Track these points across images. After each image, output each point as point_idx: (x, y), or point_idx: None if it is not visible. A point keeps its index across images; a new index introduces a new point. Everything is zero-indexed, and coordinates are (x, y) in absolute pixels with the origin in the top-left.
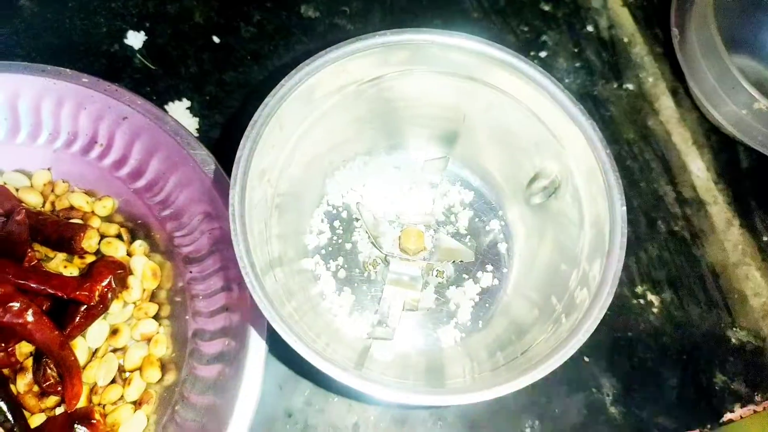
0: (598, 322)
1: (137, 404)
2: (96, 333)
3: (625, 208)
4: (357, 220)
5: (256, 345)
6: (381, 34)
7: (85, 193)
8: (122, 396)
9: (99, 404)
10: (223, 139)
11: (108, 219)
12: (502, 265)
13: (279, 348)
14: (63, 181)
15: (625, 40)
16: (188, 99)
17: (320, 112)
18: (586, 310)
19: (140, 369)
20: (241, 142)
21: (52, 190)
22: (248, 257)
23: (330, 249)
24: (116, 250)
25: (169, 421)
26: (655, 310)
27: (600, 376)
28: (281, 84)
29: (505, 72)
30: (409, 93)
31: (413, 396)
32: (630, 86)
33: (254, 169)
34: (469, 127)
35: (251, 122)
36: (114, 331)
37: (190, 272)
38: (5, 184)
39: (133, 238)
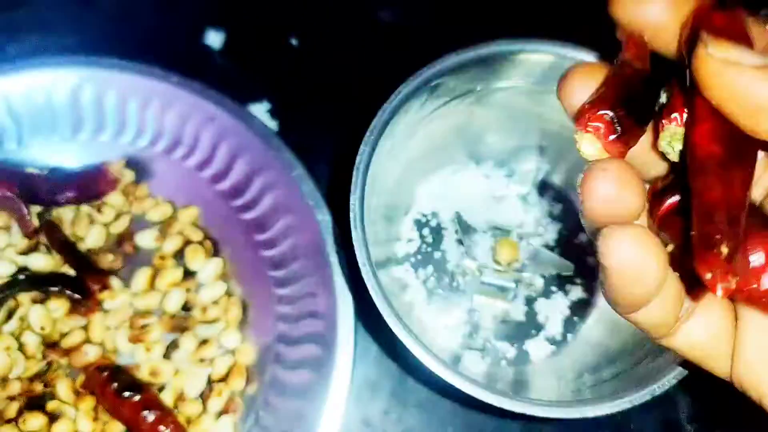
0: None
1: (221, 413)
2: (186, 344)
3: None
4: (445, 228)
5: (344, 351)
6: (497, 44)
7: (168, 203)
8: (205, 408)
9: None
10: (303, 142)
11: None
12: (591, 279)
13: (357, 355)
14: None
15: None
16: (268, 101)
17: (425, 120)
18: None
19: (226, 378)
20: (360, 147)
21: (134, 194)
22: (370, 266)
23: (419, 257)
24: (198, 260)
25: (253, 426)
26: None
27: (675, 392)
28: (398, 91)
29: None
30: (507, 103)
31: (515, 404)
32: None
33: (370, 176)
34: (561, 138)
35: (370, 128)
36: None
37: (273, 276)
38: None
39: (215, 249)
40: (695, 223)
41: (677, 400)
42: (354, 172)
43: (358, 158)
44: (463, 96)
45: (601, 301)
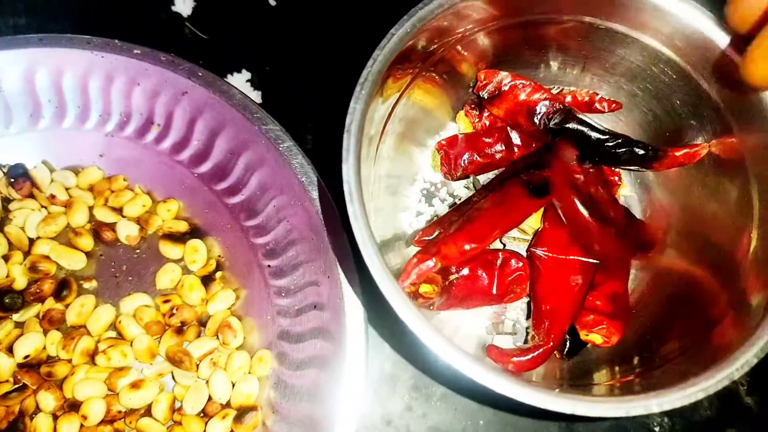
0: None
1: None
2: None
3: None
4: (458, 197)
5: (354, 345)
6: None
7: (147, 194)
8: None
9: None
10: (290, 112)
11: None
12: None
13: (372, 347)
14: (123, 179)
15: None
16: (247, 70)
17: (422, 72)
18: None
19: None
20: (351, 105)
21: (109, 188)
22: (372, 243)
23: None
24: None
25: None
26: None
27: None
28: (391, 33)
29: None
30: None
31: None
32: None
33: (365, 138)
34: (593, 87)
35: (359, 82)
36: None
37: (269, 266)
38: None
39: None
40: None
41: None
42: (345, 135)
43: (348, 118)
44: (471, 35)
45: (645, 269)
